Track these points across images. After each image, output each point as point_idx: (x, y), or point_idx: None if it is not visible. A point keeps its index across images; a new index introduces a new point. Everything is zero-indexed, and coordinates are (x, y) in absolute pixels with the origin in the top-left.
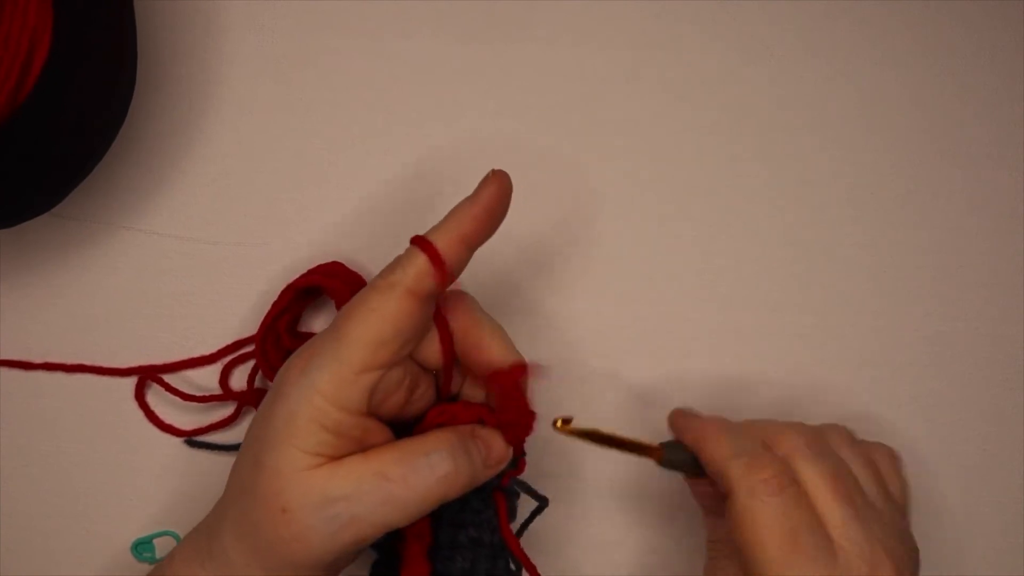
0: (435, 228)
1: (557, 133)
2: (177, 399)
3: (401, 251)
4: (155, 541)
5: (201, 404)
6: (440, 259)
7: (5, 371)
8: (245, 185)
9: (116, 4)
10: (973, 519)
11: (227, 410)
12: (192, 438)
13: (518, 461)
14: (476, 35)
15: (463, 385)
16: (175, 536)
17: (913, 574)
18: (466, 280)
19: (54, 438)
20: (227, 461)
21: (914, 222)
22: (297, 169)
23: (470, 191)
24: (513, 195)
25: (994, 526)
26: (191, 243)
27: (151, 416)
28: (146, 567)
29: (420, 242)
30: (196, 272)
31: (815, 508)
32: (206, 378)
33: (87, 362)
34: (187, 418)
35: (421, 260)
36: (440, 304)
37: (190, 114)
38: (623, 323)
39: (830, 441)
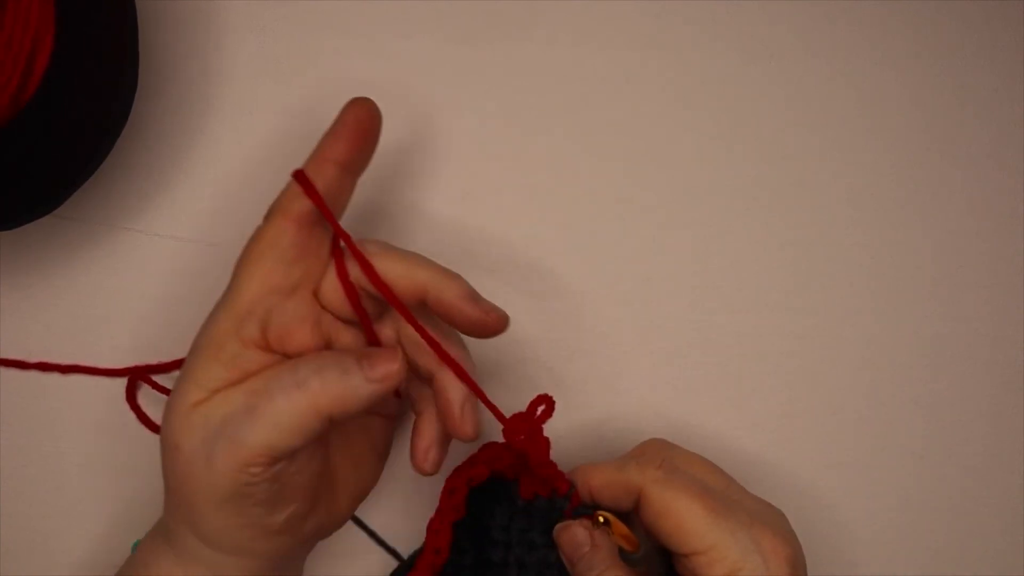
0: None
1: (557, 133)
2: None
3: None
4: None
5: None
6: (306, 177)
7: (4, 372)
8: (246, 187)
9: (118, 5)
10: (973, 519)
11: None
12: None
13: (572, 495)
14: (476, 36)
15: (398, 334)
16: None
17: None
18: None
19: (53, 439)
20: None
21: (914, 223)
22: None
23: (470, 191)
24: (513, 195)
25: (994, 526)
26: (192, 244)
27: (142, 417)
28: None
29: (293, 172)
30: (197, 274)
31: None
32: None
33: (87, 363)
34: None
35: (291, 184)
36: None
37: (191, 115)
38: (622, 324)
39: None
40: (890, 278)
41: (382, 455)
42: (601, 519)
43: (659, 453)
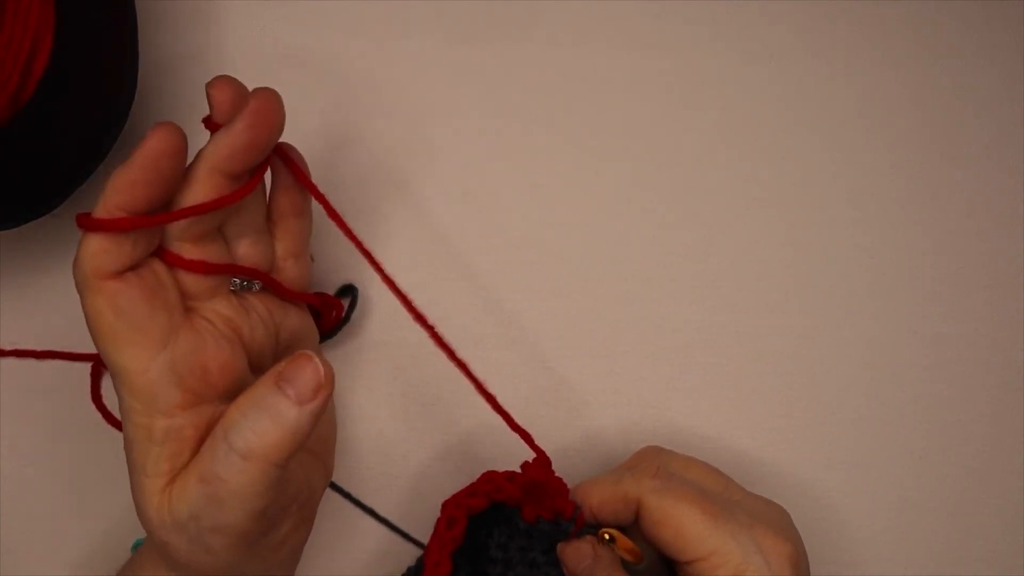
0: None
1: (557, 133)
2: None
3: (399, 251)
4: None
5: None
6: (106, 226)
7: (4, 372)
8: None
9: (117, 6)
10: (973, 519)
11: None
12: None
13: (576, 518)
14: (476, 36)
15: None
16: None
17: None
18: (455, 285)
19: (53, 439)
20: None
21: (914, 223)
22: None
23: (470, 191)
24: (513, 195)
25: (994, 526)
26: None
27: (107, 416)
28: None
29: (81, 220)
30: None
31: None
32: None
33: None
34: None
35: (86, 243)
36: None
37: (190, 115)
38: (623, 324)
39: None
40: (890, 278)
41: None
42: (607, 536)
43: (654, 461)
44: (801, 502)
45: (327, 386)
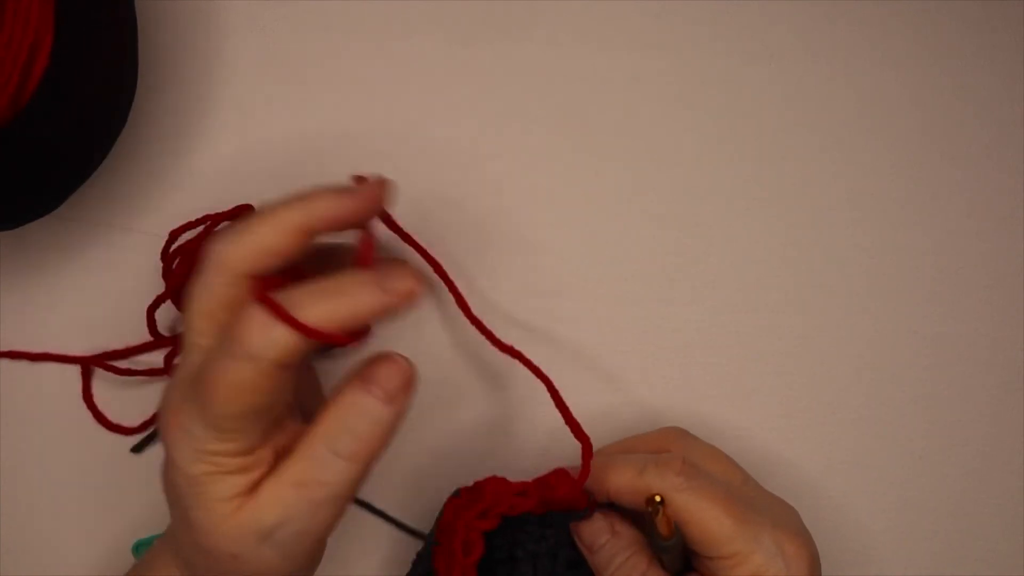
0: (300, 292)
1: (557, 134)
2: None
3: (397, 251)
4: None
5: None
6: (313, 331)
7: (5, 372)
8: (245, 187)
9: (117, 6)
10: (973, 519)
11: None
12: (139, 445)
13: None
14: (476, 36)
15: None
16: None
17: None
18: (464, 284)
19: (53, 438)
20: None
21: (914, 223)
22: (298, 171)
23: (471, 193)
24: (514, 197)
25: (994, 526)
26: None
27: (98, 416)
28: None
29: (268, 304)
30: None
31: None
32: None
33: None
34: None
35: (285, 336)
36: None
37: (191, 116)
38: (622, 325)
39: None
40: (890, 278)
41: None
42: (657, 500)
43: (678, 450)
44: (801, 502)
45: (412, 381)
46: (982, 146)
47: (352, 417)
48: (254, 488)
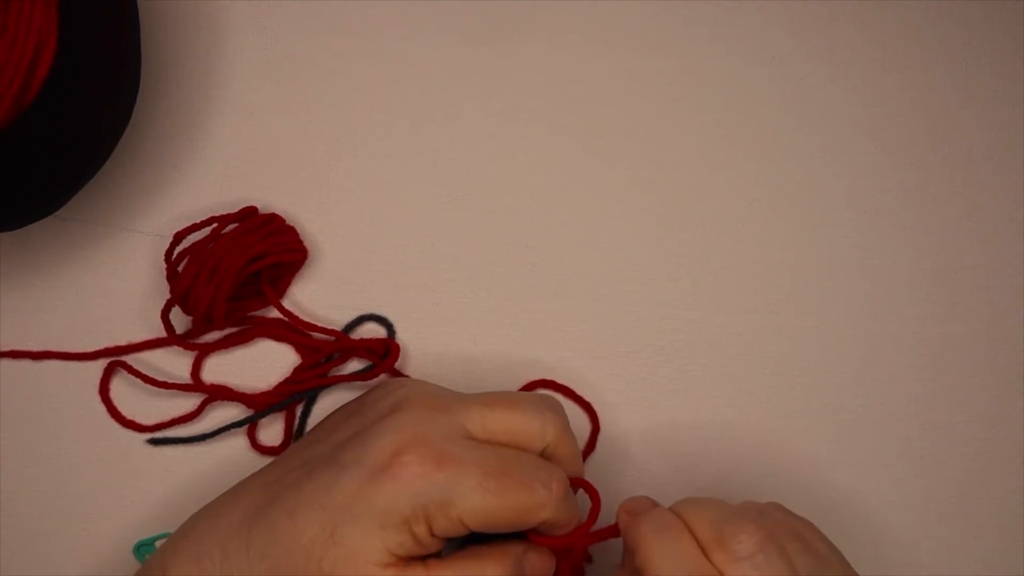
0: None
1: (557, 134)
2: (148, 388)
3: (399, 252)
4: (158, 543)
5: (166, 392)
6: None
7: (5, 372)
8: (247, 188)
9: (120, 8)
10: (973, 520)
11: (190, 401)
12: (155, 436)
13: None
14: (477, 37)
15: None
16: None
17: None
18: (459, 286)
19: (53, 439)
20: (206, 453)
21: (914, 224)
22: (299, 172)
23: (470, 193)
24: (513, 198)
25: (994, 526)
26: None
27: (113, 411)
28: None
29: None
30: None
31: None
32: (182, 366)
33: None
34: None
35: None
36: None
37: (193, 117)
38: (623, 325)
39: (774, 535)
40: (891, 278)
41: None
42: None
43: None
44: (801, 503)
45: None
46: (982, 147)
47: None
48: (409, 560)
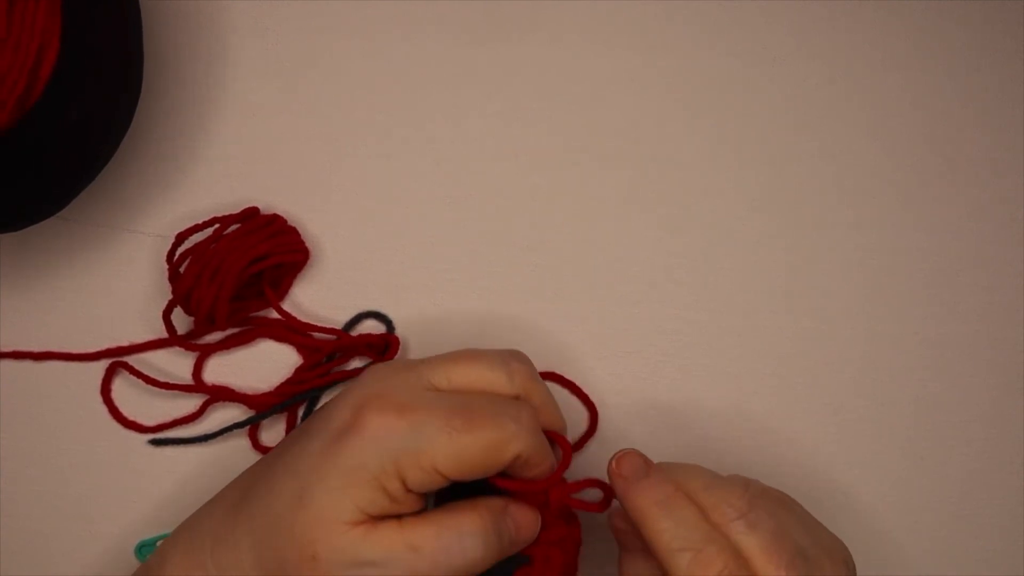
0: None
1: (558, 135)
2: (150, 388)
3: (400, 253)
4: (159, 544)
5: (167, 392)
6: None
7: (5, 372)
8: (249, 189)
9: (123, 9)
10: (973, 520)
11: (191, 401)
12: (157, 437)
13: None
14: (479, 37)
15: None
16: None
17: None
18: (460, 287)
19: (53, 439)
20: (208, 454)
21: (914, 225)
22: (300, 172)
23: (471, 193)
24: (514, 198)
25: (994, 526)
26: None
27: (114, 412)
28: None
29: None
30: None
31: None
32: (184, 367)
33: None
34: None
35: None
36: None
37: (194, 118)
38: (625, 327)
39: (766, 501)
40: (891, 279)
41: None
42: None
43: (723, 523)
44: (802, 502)
45: (520, 545)
46: (983, 148)
47: (493, 537)
48: (383, 518)
